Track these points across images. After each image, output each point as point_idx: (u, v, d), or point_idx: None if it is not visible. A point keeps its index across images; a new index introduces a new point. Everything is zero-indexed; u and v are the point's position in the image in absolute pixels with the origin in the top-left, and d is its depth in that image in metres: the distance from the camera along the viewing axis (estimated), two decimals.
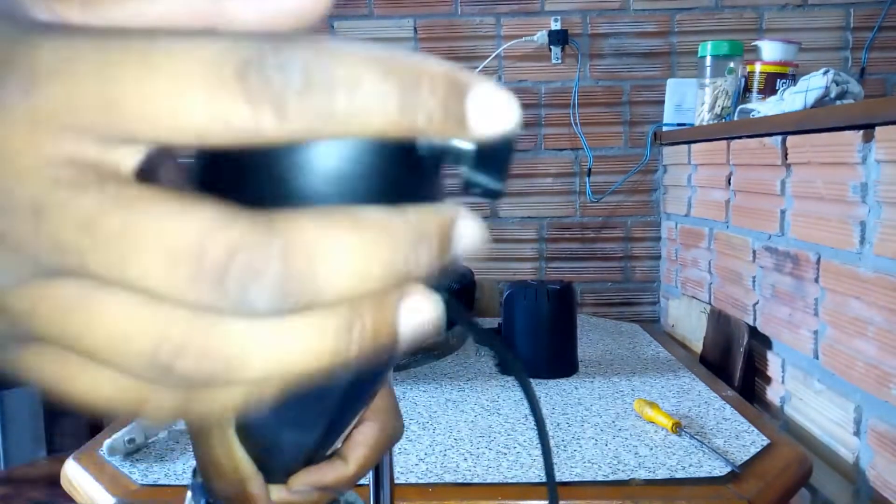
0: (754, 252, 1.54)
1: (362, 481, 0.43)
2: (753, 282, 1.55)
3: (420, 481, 1.00)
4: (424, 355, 1.60)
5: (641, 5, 2.14)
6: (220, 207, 0.16)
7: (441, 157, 0.18)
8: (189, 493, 0.40)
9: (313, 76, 0.16)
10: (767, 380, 1.50)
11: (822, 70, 1.41)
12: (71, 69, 0.16)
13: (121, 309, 0.17)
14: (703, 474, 1.01)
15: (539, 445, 0.31)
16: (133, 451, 1.09)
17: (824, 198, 1.25)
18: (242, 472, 0.35)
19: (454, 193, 0.20)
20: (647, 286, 2.21)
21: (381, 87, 0.17)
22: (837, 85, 1.39)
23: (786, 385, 1.42)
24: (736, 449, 1.09)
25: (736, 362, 1.56)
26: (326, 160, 0.17)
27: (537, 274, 2.21)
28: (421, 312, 0.18)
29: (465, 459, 1.06)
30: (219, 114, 0.16)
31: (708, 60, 1.83)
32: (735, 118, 1.69)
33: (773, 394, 1.48)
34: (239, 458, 0.35)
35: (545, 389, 1.38)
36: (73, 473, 1.06)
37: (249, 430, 0.35)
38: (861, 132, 1.13)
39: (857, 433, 1.17)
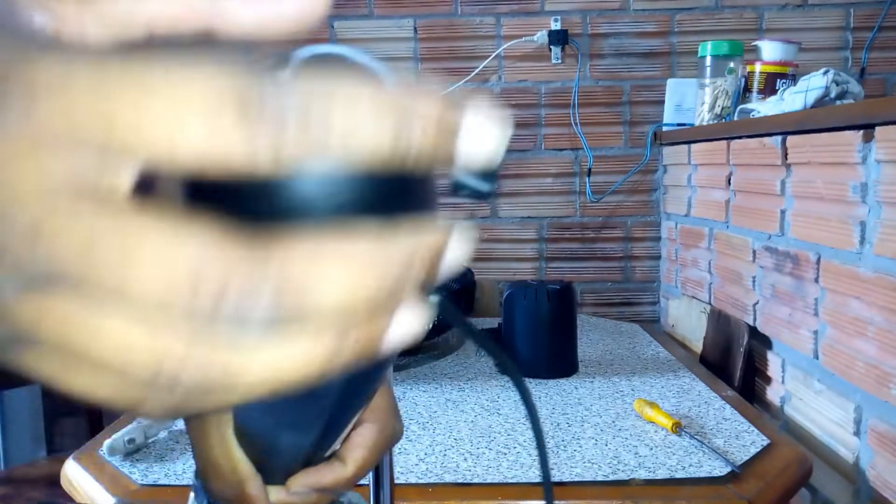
0: (754, 252, 1.54)
1: (362, 481, 0.43)
2: (753, 282, 1.55)
3: (420, 481, 1.00)
4: (424, 355, 1.60)
5: (641, 5, 2.14)
6: (217, 228, 0.17)
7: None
8: (192, 494, 0.40)
9: (310, 113, 0.17)
10: (767, 380, 1.50)
11: (822, 70, 1.41)
12: (68, 90, 0.16)
13: (125, 325, 0.17)
14: (703, 474, 1.01)
15: (536, 446, 0.31)
16: (133, 451, 1.09)
17: (824, 198, 1.25)
18: (241, 473, 0.35)
19: (444, 194, 0.20)
20: (647, 286, 2.21)
21: (376, 125, 0.17)
22: (837, 85, 1.39)
23: (786, 385, 1.42)
24: (736, 449, 1.09)
25: (736, 362, 1.56)
26: (320, 180, 0.18)
27: (537, 274, 2.21)
28: (408, 325, 0.19)
29: (465, 459, 1.06)
30: (215, 145, 0.16)
31: (708, 60, 1.83)
32: (735, 118, 1.69)
33: (773, 394, 1.48)
34: (237, 459, 0.35)
35: (545, 389, 1.38)
36: (73, 473, 1.06)
37: (247, 432, 0.35)
38: (861, 132, 1.13)
39: (857, 433, 1.17)
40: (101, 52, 0.17)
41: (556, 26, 2.13)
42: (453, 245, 0.19)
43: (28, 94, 0.16)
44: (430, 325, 0.20)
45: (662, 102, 2.07)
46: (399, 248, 0.18)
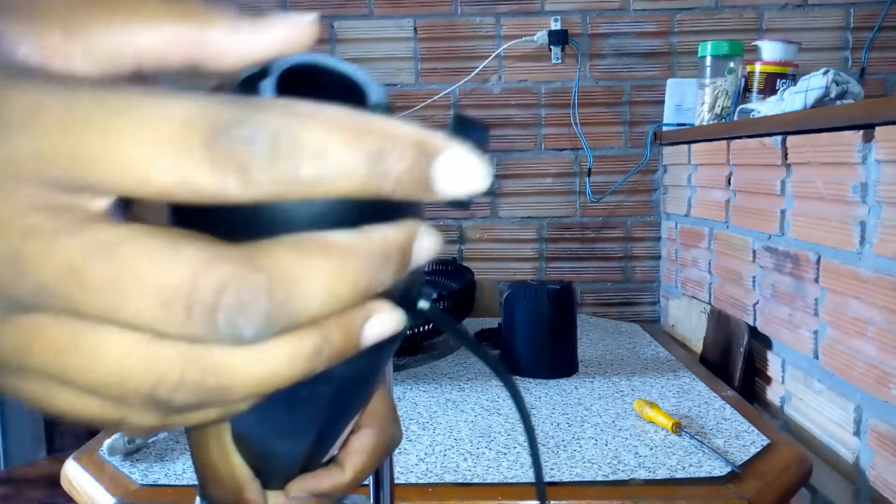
0: (754, 252, 1.54)
1: (363, 482, 0.43)
2: (753, 282, 1.55)
3: (420, 481, 1.00)
4: (424, 355, 1.60)
5: (641, 5, 2.14)
6: (204, 244, 0.17)
7: None
8: (198, 498, 0.40)
9: (280, 145, 0.16)
10: (767, 380, 1.50)
11: (822, 70, 1.41)
12: (40, 120, 0.16)
13: (118, 348, 0.17)
14: (703, 474, 1.01)
15: (529, 452, 0.31)
16: (133, 451, 1.09)
17: (824, 198, 1.25)
18: (239, 478, 0.35)
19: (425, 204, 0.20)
20: (647, 286, 2.21)
21: (348, 155, 0.17)
22: (837, 85, 1.39)
23: (786, 385, 1.42)
24: (736, 449, 1.09)
25: (736, 362, 1.56)
26: (295, 202, 0.18)
27: (537, 274, 2.21)
28: (382, 324, 0.20)
29: (465, 459, 1.06)
30: (183, 177, 0.16)
31: (708, 60, 1.82)
32: (735, 118, 1.69)
33: (773, 394, 1.48)
34: (235, 464, 0.35)
35: (545, 389, 1.38)
36: (73, 473, 1.06)
37: (244, 437, 0.35)
38: (861, 132, 1.13)
39: (857, 433, 1.17)
40: (74, 82, 0.17)
41: (556, 26, 2.13)
42: (423, 242, 0.20)
43: (1, 123, 0.16)
44: (417, 327, 0.21)
45: (662, 102, 2.07)
46: (372, 247, 0.18)
